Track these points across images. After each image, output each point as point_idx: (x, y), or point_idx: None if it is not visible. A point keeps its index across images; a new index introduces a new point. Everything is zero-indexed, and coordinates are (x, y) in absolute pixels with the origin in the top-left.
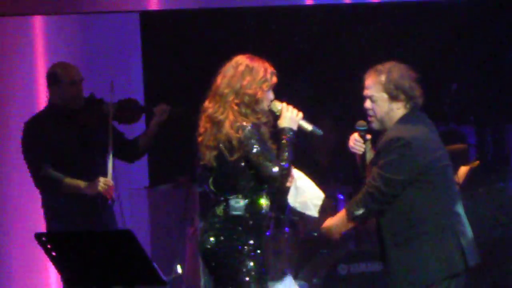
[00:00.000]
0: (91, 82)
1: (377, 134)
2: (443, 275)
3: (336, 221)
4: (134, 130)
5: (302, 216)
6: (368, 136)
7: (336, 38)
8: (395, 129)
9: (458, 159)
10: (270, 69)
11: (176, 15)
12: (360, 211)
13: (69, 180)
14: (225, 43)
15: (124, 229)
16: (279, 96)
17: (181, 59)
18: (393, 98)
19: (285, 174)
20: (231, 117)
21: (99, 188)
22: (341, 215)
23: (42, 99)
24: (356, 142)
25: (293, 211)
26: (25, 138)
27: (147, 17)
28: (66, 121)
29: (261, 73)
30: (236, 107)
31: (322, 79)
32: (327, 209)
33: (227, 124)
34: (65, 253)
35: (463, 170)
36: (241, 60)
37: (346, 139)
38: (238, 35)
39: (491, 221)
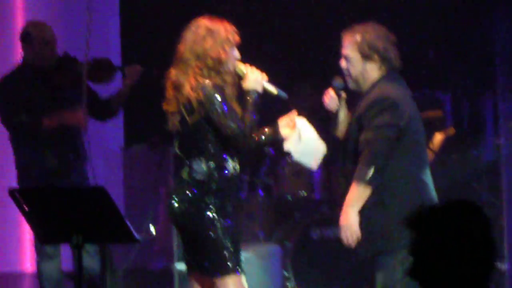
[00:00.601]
0: (68, 42)
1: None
2: (405, 243)
3: (349, 203)
4: (111, 90)
5: (298, 165)
6: (343, 94)
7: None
8: (378, 89)
9: (434, 126)
10: (231, 28)
11: None
12: (369, 174)
13: (47, 116)
14: (203, 5)
15: (98, 186)
16: (252, 61)
17: (159, 20)
18: (366, 58)
19: (248, 135)
20: (192, 80)
21: (77, 117)
22: (352, 192)
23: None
24: (331, 99)
25: (292, 161)
26: None
27: None
28: (39, 80)
29: (222, 34)
30: (198, 71)
31: (300, 45)
32: (301, 172)
33: (187, 86)
34: (38, 209)
35: (438, 137)
36: (201, 23)
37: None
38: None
39: (464, 188)
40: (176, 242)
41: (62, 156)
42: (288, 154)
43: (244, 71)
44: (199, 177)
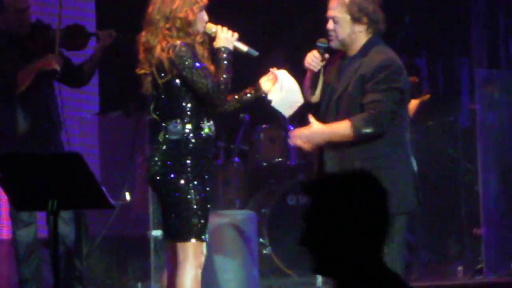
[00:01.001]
0: (42, 8)
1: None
2: (399, 211)
3: (330, 129)
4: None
5: (274, 113)
6: (327, 55)
7: None
8: (381, 53)
9: (410, 92)
10: None
11: None
12: (368, 130)
13: (21, 71)
14: None
15: (73, 152)
16: (227, 24)
17: None
18: (355, 20)
19: (223, 91)
20: (162, 41)
21: (52, 61)
22: (341, 126)
23: None
24: (314, 59)
25: (271, 107)
26: None
27: None
28: (13, 47)
29: None
30: (167, 32)
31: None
32: (276, 139)
33: (158, 48)
34: (13, 175)
35: (414, 103)
36: None
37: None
38: None
39: (440, 154)
40: (152, 209)
41: (36, 125)
42: (269, 102)
43: (214, 30)
44: (174, 137)
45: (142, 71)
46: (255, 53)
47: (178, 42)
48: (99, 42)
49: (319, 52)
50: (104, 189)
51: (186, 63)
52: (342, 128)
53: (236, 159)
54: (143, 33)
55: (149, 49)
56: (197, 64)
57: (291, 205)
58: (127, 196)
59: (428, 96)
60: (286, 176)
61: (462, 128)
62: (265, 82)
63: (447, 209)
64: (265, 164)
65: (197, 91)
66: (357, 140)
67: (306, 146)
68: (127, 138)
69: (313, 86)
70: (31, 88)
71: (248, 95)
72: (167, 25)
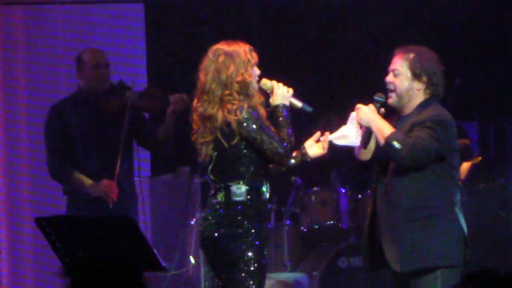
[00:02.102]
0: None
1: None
2: (441, 263)
3: (380, 122)
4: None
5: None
6: (382, 110)
7: (339, 30)
8: (432, 109)
9: (461, 155)
10: (248, 47)
11: (180, 3)
12: (397, 145)
13: (77, 175)
14: (228, 32)
15: (125, 215)
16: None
17: (185, 49)
18: (415, 76)
19: (289, 149)
20: (225, 105)
21: (101, 190)
22: (386, 126)
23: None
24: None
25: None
26: (46, 123)
27: (151, 6)
28: (86, 106)
29: (242, 56)
30: (227, 97)
31: (327, 72)
32: (328, 202)
33: (220, 113)
34: (65, 238)
35: (465, 166)
36: (218, 50)
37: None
38: (242, 24)
39: (491, 217)
40: (203, 272)
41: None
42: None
43: (270, 86)
44: (238, 199)
45: (202, 140)
46: (309, 109)
47: (245, 104)
48: (170, 106)
49: (375, 106)
50: (156, 251)
51: (254, 125)
52: (386, 127)
53: (288, 221)
54: (198, 103)
55: (208, 118)
56: (264, 126)
57: (342, 268)
58: (192, 260)
59: (479, 158)
60: (338, 239)
61: None
62: (310, 146)
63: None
64: (316, 226)
65: (265, 152)
66: (383, 149)
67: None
68: (178, 200)
69: (365, 142)
70: (98, 147)
71: (296, 159)
72: (227, 92)
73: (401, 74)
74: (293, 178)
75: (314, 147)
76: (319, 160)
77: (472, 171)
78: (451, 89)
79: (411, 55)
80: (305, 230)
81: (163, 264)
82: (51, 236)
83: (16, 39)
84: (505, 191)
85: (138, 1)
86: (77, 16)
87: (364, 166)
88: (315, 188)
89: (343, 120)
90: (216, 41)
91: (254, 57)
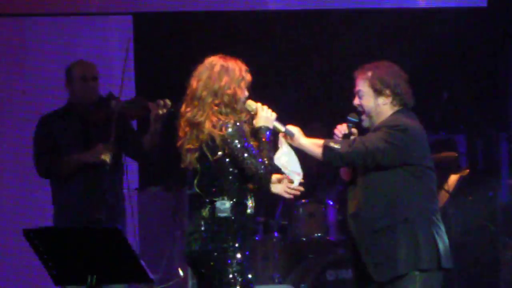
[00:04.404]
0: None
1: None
2: (412, 267)
3: (308, 140)
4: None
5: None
6: (354, 130)
7: (326, 44)
8: (391, 118)
9: (449, 168)
10: (244, 67)
11: (168, 17)
12: (336, 145)
13: (66, 158)
14: (216, 46)
15: (113, 226)
16: (265, 100)
17: (173, 61)
18: (378, 92)
19: (268, 171)
20: (212, 117)
21: (98, 153)
22: (318, 140)
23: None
24: (338, 133)
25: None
26: (35, 133)
27: (139, 19)
28: (74, 119)
29: (237, 72)
30: (216, 108)
31: (312, 84)
32: (316, 214)
33: (208, 124)
34: (52, 249)
35: (453, 178)
36: (215, 61)
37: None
38: (229, 38)
39: (479, 229)
40: (190, 284)
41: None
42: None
43: (254, 107)
44: (223, 215)
45: (188, 146)
46: (292, 133)
47: (231, 120)
48: (151, 113)
49: (347, 126)
50: (143, 262)
51: (238, 142)
52: (316, 140)
53: (276, 234)
54: (187, 108)
55: (196, 124)
56: (248, 144)
57: (330, 280)
58: (180, 272)
59: (467, 171)
60: (326, 251)
61: (501, 203)
62: (274, 185)
63: (486, 284)
64: (304, 239)
65: (245, 171)
66: (323, 156)
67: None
68: (166, 212)
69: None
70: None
71: None
72: (216, 101)
73: (364, 94)
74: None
75: (278, 187)
76: (307, 172)
77: (460, 183)
78: (439, 103)
79: (369, 73)
80: (293, 242)
81: (151, 276)
82: (39, 248)
83: (3, 51)
84: (492, 204)
85: (127, 14)
86: (65, 29)
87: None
88: (303, 201)
89: (328, 130)
90: (204, 52)
91: (247, 78)
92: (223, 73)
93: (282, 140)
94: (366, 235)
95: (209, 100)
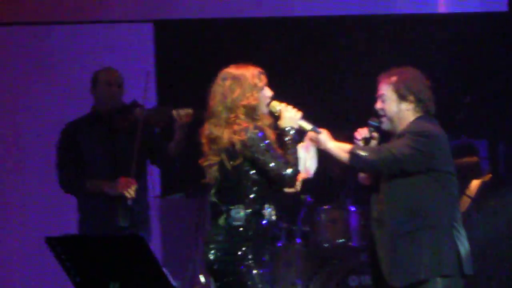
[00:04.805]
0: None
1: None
2: (435, 273)
3: (336, 144)
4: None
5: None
6: (375, 134)
7: (349, 49)
8: (415, 124)
9: (470, 172)
10: (257, 70)
11: (189, 24)
12: (363, 153)
13: (90, 181)
14: (238, 53)
15: (135, 234)
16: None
17: (194, 68)
18: (401, 98)
19: (294, 172)
20: (230, 126)
21: (119, 187)
22: (345, 145)
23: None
24: (361, 135)
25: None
26: (59, 140)
27: (160, 26)
28: (99, 125)
29: (249, 80)
30: (233, 119)
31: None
32: (338, 220)
33: (226, 135)
34: (75, 257)
35: (474, 183)
36: (226, 74)
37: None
38: (251, 45)
39: (501, 234)
40: None
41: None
42: None
43: (278, 109)
44: (236, 223)
45: (207, 163)
46: (319, 131)
47: (251, 125)
48: (176, 122)
49: (369, 130)
50: (166, 270)
51: (258, 146)
52: (343, 145)
53: (298, 240)
54: (206, 126)
55: (214, 140)
56: (269, 147)
57: (353, 286)
58: (202, 279)
59: (489, 176)
60: (348, 257)
61: None
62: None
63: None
64: (326, 245)
65: (268, 174)
66: (350, 162)
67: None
68: (189, 220)
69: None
70: (112, 165)
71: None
72: (232, 115)
73: (387, 99)
74: (303, 196)
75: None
76: (329, 178)
77: (482, 188)
78: (460, 107)
79: (394, 78)
80: (315, 248)
81: (173, 283)
82: (61, 256)
83: (27, 60)
84: None
85: (147, 21)
86: (87, 37)
87: (370, 189)
88: (326, 207)
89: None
90: (225, 59)
91: (262, 80)
92: (234, 85)
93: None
94: (388, 240)
95: (224, 115)
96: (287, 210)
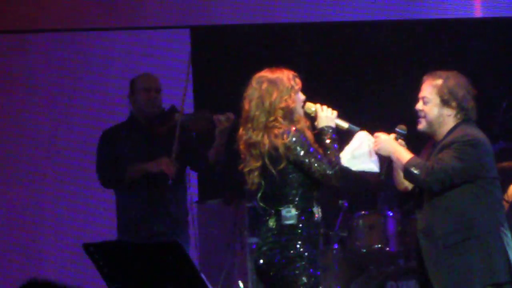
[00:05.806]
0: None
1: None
2: (487, 282)
3: (398, 151)
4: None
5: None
6: (402, 142)
7: (390, 54)
8: (461, 132)
9: (508, 177)
10: (292, 73)
11: (225, 30)
12: (416, 171)
13: (130, 166)
14: (274, 58)
15: (173, 240)
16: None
17: (230, 72)
18: (444, 103)
19: (338, 171)
20: (271, 131)
21: (162, 164)
22: (405, 154)
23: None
24: None
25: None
26: (98, 146)
27: (197, 32)
28: (137, 130)
29: (285, 83)
30: (272, 123)
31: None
32: (375, 226)
33: (267, 139)
34: (112, 264)
35: None
36: (261, 78)
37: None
38: (286, 50)
39: None
40: None
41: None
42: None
43: (314, 110)
44: (289, 222)
45: (248, 168)
46: (356, 128)
47: (292, 127)
48: (216, 127)
49: (396, 138)
50: (203, 277)
51: (301, 148)
52: (404, 155)
53: (336, 245)
54: (243, 131)
55: (253, 145)
56: (312, 149)
57: None
58: (240, 284)
59: None
60: (386, 263)
61: None
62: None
63: None
64: (364, 250)
65: (313, 175)
66: (404, 177)
67: None
68: (226, 225)
69: (385, 170)
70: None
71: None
72: (271, 118)
73: (430, 101)
74: (340, 201)
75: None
76: (366, 183)
77: None
78: (498, 112)
79: (439, 81)
80: (353, 254)
81: None
82: (99, 262)
83: (66, 66)
84: None
85: (184, 26)
86: (124, 43)
87: (407, 194)
88: (363, 212)
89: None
90: (261, 62)
91: (297, 83)
92: (271, 88)
93: (359, 137)
94: (437, 252)
95: (263, 119)
96: (325, 215)
